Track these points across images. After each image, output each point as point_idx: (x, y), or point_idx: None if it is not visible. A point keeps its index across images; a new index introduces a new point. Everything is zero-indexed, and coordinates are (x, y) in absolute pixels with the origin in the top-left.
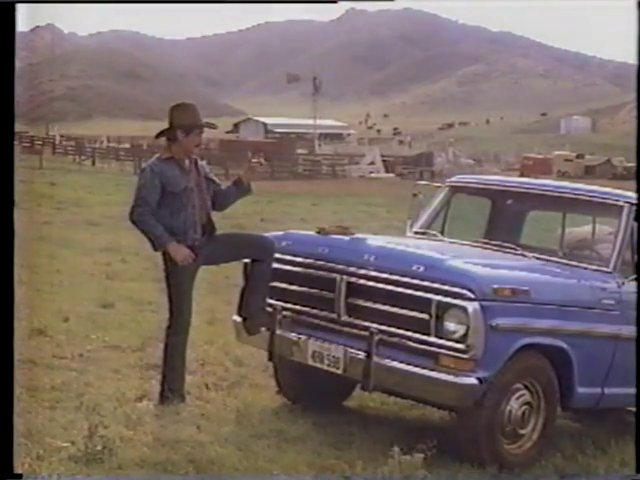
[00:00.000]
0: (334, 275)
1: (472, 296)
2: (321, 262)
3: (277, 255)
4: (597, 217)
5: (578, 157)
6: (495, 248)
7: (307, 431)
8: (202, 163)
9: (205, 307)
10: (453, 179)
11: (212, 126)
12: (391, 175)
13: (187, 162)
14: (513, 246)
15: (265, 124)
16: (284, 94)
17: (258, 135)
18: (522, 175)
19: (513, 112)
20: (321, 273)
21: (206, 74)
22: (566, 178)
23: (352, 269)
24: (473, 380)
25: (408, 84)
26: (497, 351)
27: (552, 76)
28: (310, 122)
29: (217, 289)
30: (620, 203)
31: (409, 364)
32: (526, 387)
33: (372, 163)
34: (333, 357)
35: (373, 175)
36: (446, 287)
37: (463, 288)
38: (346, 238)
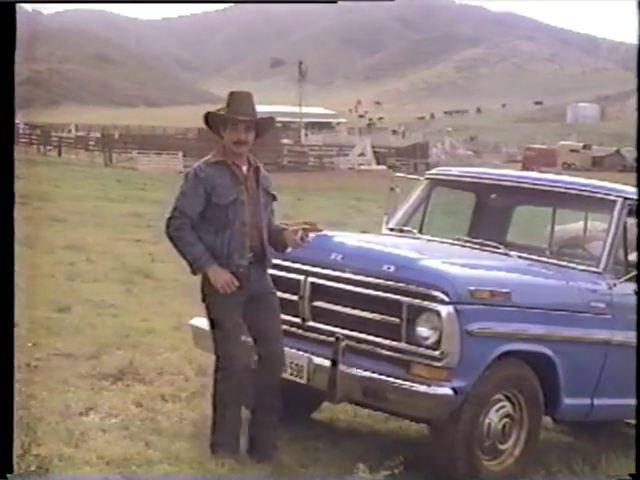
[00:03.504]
0: (298, 276)
1: (446, 299)
2: (284, 262)
3: None
4: (589, 213)
5: (585, 148)
6: (477, 247)
7: None
8: (266, 174)
9: (172, 310)
10: (433, 171)
11: (247, 121)
12: (383, 167)
13: (244, 169)
14: (495, 244)
15: None
16: (268, 80)
17: None
18: (524, 167)
19: (515, 99)
20: (284, 274)
21: (184, 58)
22: (572, 170)
23: (317, 269)
24: (448, 390)
25: (402, 69)
26: (474, 359)
27: (558, 60)
28: (296, 110)
29: (188, 290)
30: (612, 197)
31: (378, 373)
32: (507, 398)
33: (362, 154)
34: (296, 365)
35: (363, 167)
36: (418, 289)
37: (436, 290)
38: (312, 236)
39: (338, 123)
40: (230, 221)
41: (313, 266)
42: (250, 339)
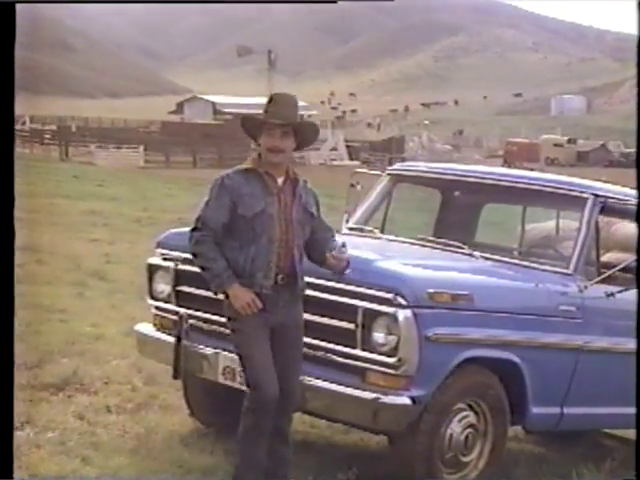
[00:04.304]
0: None
1: (403, 302)
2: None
3: (185, 255)
4: (559, 211)
5: (569, 142)
6: (440, 247)
7: (217, 461)
8: (308, 189)
9: (125, 314)
10: (395, 167)
11: (284, 125)
12: (356, 162)
13: (280, 180)
14: (459, 244)
15: (214, 103)
16: (235, 69)
17: (205, 116)
18: (506, 162)
19: (497, 91)
20: None
21: (147, 45)
22: (555, 166)
23: None
24: (405, 400)
25: (378, 59)
26: (434, 366)
27: (542, 50)
28: (265, 101)
29: (143, 293)
30: (582, 195)
31: (332, 382)
32: (470, 407)
33: (334, 149)
34: None
35: (335, 163)
36: (374, 292)
37: (393, 293)
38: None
39: (310, 115)
40: (256, 235)
41: None
42: None
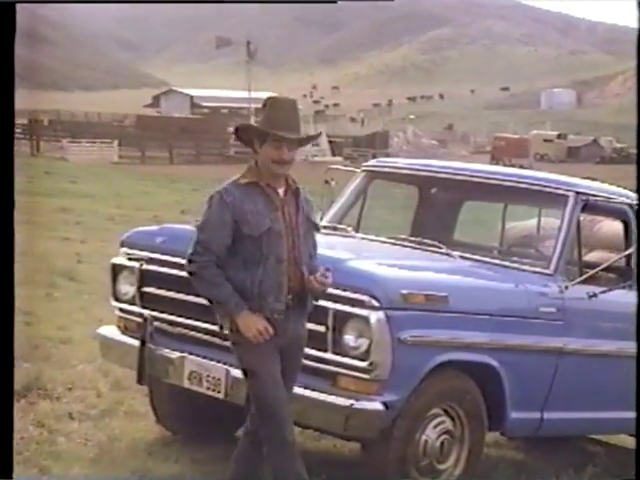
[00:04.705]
0: None
1: (376, 303)
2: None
3: (150, 255)
4: (540, 208)
5: (559, 137)
6: (416, 246)
7: (182, 470)
8: (307, 197)
9: (94, 317)
10: (370, 163)
11: (301, 141)
12: (338, 158)
13: (281, 192)
14: (436, 244)
15: (191, 97)
16: (214, 61)
17: (183, 110)
18: (493, 159)
19: (485, 84)
20: None
21: (123, 36)
22: (545, 162)
23: None
24: (378, 405)
25: (362, 51)
26: (408, 370)
27: (532, 42)
28: (245, 95)
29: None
30: (564, 192)
31: (303, 386)
32: (446, 413)
33: (316, 144)
34: (213, 378)
35: (317, 159)
36: (345, 293)
37: (365, 294)
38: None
39: None
40: (263, 256)
41: None
42: None
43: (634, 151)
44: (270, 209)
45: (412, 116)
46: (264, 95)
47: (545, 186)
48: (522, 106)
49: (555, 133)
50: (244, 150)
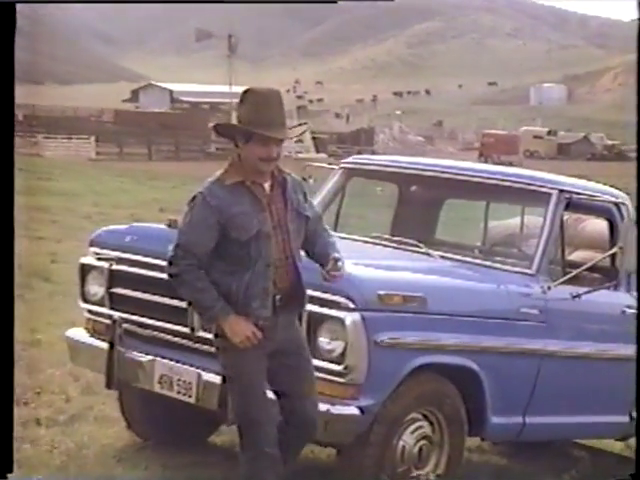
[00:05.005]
0: None
1: (351, 305)
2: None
3: (120, 254)
4: (523, 207)
5: (550, 133)
6: (394, 245)
7: (151, 477)
8: (296, 186)
9: (66, 319)
10: (348, 159)
11: (286, 135)
12: (323, 155)
13: (267, 187)
14: (415, 243)
15: (171, 91)
16: (194, 55)
17: (162, 104)
18: (482, 156)
19: (474, 79)
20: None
21: (100, 28)
22: (535, 159)
23: None
24: (353, 410)
25: (347, 45)
26: (385, 373)
27: (522, 36)
28: (226, 89)
29: None
30: (546, 190)
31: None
32: (425, 417)
33: (300, 141)
34: (184, 382)
35: (301, 155)
36: (319, 294)
37: (340, 295)
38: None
39: None
40: (252, 259)
41: None
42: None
43: (625, 148)
44: (257, 210)
45: (398, 112)
46: None
47: (527, 184)
48: (511, 102)
49: (545, 129)
50: (225, 147)
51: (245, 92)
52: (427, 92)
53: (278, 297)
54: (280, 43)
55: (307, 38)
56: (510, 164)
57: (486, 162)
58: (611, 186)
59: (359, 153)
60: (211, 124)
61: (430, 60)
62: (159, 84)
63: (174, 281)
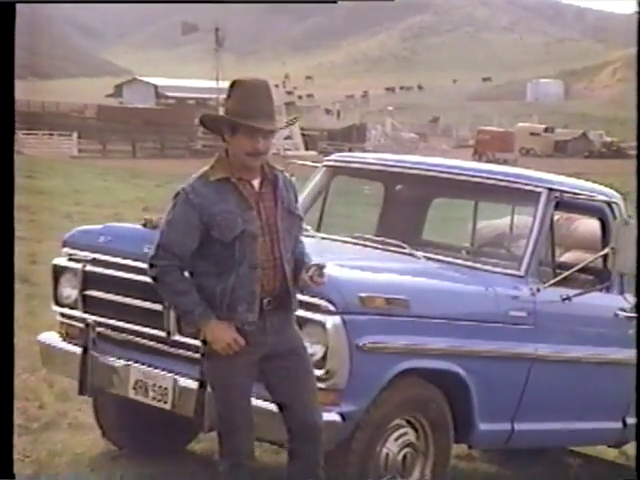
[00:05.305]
0: None
1: (332, 308)
2: (146, 264)
3: (94, 255)
4: (512, 206)
5: (546, 130)
6: (379, 246)
7: None
8: (288, 184)
9: (43, 322)
10: (332, 157)
11: (274, 126)
12: (312, 153)
13: (256, 184)
14: (399, 243)
15: (156, 86)
16: (180, 49)
17: (147, 100)
18: (476, 153)
19: (468, 74)
20: (146, 278)
21: (83, 21)
22: (531, 156)
23: None
24: (334, 416)
25: (338, 39)
26: (367, 378)
27: (518, 29)
28: (213, 85)
29: None
30: (535, 189)
31: (255, 397)
32: (409, 424)
33: (289, 137)
34: (159, 388)
35: (290, 153)
36: (299, 296)
37: (320, 297)
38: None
39: None
40: (236, 262)
41: None
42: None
43: (624, 145)
44: (243, 208)
45: (391, 108)
46: None
47: (515, 182)
48: (507, 97)
49: (542, 126)
50: (212, 144)
51: (232, 83)
52: (419, 87)
53: (266, 300)
54: (269, 37)
55: (297, 31)
56: (505, 162)
57: (481, 160)
58: (606, 185)
59: (350, 150)
60: (197, 120)
61: (424, 54)
62: (144, 79)
63: (155, 283)
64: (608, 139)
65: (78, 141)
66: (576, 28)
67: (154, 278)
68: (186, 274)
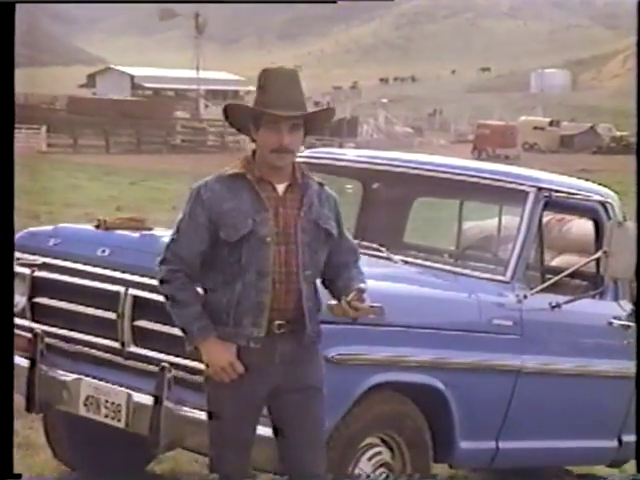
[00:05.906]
0: (116, 287)
1: None
2: (99, 268)
3: (43, 259)
4: (500, 206)
5: (552, 124)
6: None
7: None
8: (324, 195)
9: None
10: (305, 154)
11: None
12: (300, 148)
13: (280, 188)
14: (376, 246)
15: (132, 76)
16: (157, 35)
17: (122, 91)
18: (476, 149)
19: (468, 64)
20: (98, 284)
21: (52, 5)
22: (535, 152)
23: (141, 279)
24: None
25: (328, 26)
26: (336, 393)
27: (522, 15)
28: (193, 75)
29: None
30: (523, 187)
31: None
32: (383, 442)
33: None
34: (112, 404)
35: None
36: None
37: None
38: (135, 235)
39: (248, 92)
40: (243, 267)
41: (135, 274)
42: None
43: (635, 140)
44: (257, 209)
45: (384, 100)
46: (214, 75)
47: (503, 180)
48: (509, 89)
49: (547, 120)
50: (193, 138)
51: (260, 73)
52: (412, 79)
53: (277, 323)
54: (253, 23)
55: (284, 18)
56: (507, 158)
57: (480, 156)
58: (603, 185)
59: (340, 146)
60: (179, 112)
61: (419, 43)
62: (118, 68)
63: (162, 289)
64: (617, 133)
65: (47, 135)
66: (584, 14)
67: (160, 282)
68: (198, 288)
